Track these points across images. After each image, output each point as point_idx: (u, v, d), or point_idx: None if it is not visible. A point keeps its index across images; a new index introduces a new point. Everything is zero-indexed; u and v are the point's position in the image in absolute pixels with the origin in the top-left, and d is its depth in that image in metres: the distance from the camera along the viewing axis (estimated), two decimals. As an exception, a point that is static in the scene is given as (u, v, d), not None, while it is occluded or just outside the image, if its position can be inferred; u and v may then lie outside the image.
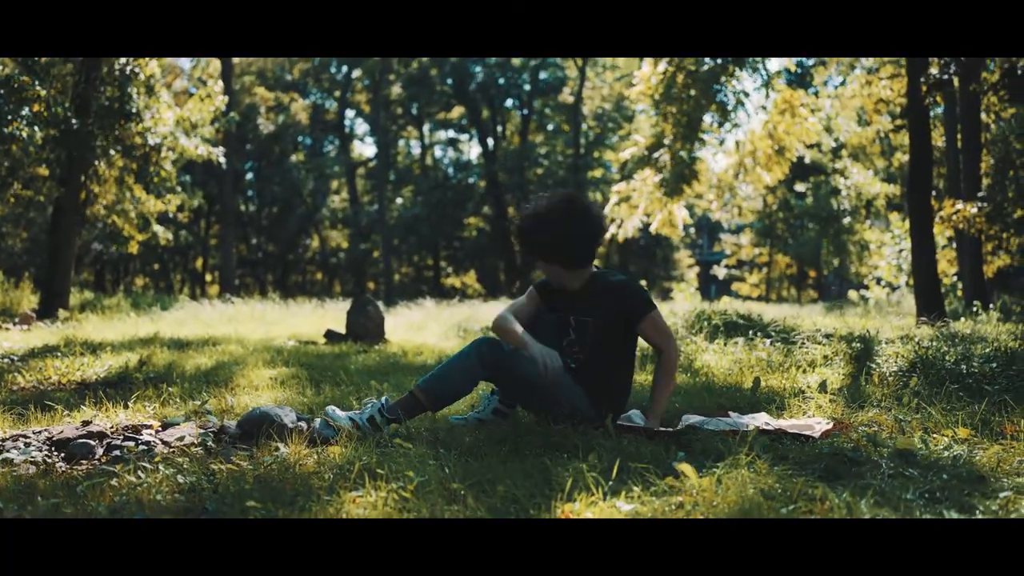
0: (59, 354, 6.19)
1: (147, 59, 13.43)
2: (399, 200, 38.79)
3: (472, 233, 37.96)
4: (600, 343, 3.35)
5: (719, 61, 13.24)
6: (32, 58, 12.65)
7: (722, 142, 15.06)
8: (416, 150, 42.10)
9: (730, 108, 13.99)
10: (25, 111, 11.74)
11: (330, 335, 7.30)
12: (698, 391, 4.25)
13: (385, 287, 34.59)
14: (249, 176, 38.58)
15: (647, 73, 13.87)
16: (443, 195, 35.95)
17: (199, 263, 39.41)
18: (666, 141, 13.80)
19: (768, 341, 5.70)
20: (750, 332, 6.04)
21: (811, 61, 24.25)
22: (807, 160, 25.12)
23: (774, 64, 25.77)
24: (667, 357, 3.36)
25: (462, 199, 36.68)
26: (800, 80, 25.58)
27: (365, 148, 45.34)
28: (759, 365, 4.98)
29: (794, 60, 17.17)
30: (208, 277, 40.05)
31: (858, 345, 5.20)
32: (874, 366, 4.49)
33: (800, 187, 26.83)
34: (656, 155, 13.88)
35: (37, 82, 12.01)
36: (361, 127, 42.93)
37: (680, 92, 13.48)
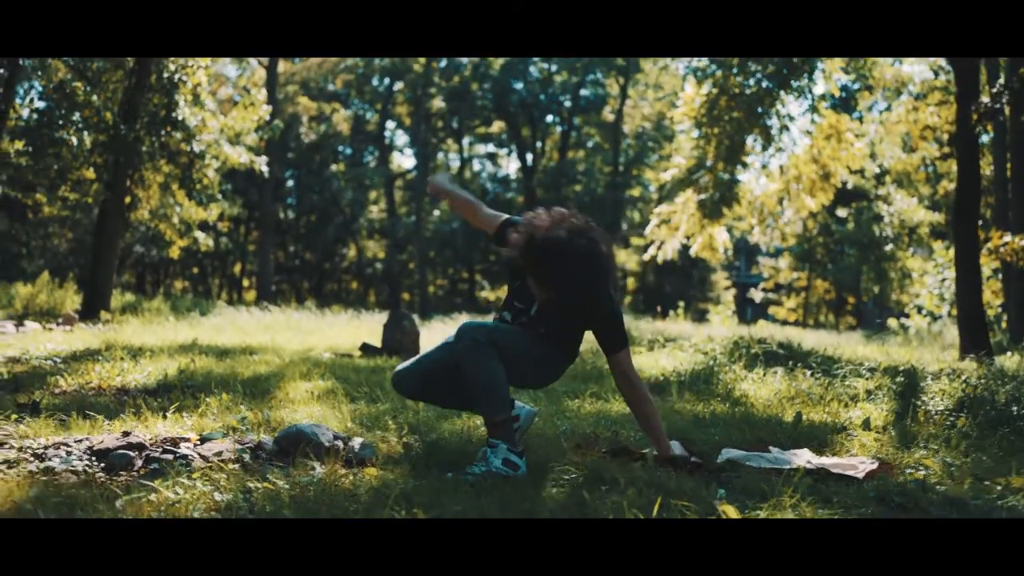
0: (100, 358, 6.26)
1: (194, 68, 13.63)
2: (436, 212, 38.96)
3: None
4: (558, 334, 3.28)
5: (764, 85, 13.15)
6: (85, 64, 12.91)
7: (765, 166, 14.91)
8: (455, 163, 42.30)
9: (774, 132, 13.88)
10: (76, 116, 11.97)
11: (366, 348, 7.31)
12: (737, 423, 4.18)
13: (420, 299, 34.72)
14: (289, 184, 38.99)
15: (691, 95, 13.82)
16: (481, 209, 36.03)
17: (237, 268, 39.84)
18: (708, 163, 13.72)
19: (809, 372, 5.61)
20: (790, 362, 5.95)
21: (856, 85, 24.02)
22: (850, 185, 24.83)
23: (819, 88, 25.53)
24: (642, 392, 3.27)
25: (499, 214, 36.75)
26: (845, 105, 25.32)
27: (404, 160, 45.65)
28: (800, 397, 4.89)
29: (839, 83, 16.97)
30: (245, 282, 40.48)
31: (903, 380, 5.10)
32: (919, 403, 4.39)
33: (842, 212, 26.53)
34: (696, 176, 13.80)
35: (88, 88, 12.24)
36: (401, 138, 43.24)
37: (723, 114, 13.41)
